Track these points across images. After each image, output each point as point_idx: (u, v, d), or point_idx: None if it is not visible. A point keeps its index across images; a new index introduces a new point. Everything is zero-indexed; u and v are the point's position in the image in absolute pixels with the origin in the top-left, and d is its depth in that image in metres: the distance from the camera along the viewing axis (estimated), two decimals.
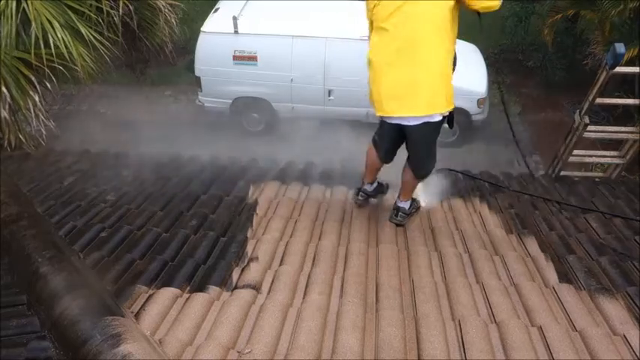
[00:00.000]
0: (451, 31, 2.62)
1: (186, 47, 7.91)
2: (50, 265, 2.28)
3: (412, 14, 2.54)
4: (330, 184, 3.75)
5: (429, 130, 2.74)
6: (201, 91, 7.68)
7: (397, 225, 3.11)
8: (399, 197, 3.14)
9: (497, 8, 2.56)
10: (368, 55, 2.76)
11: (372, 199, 3.38)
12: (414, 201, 3.21)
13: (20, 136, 3.90)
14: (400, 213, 3.10)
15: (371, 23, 2.79)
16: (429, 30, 2.55)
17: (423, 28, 2.55)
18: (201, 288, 2.37)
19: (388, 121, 2.83)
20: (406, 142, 2.95)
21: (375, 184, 3.32)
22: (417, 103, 2.63)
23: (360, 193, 3.28)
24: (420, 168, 3.02)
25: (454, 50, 2.71)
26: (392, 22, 2.59)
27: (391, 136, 2.96)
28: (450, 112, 2.75)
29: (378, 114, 2.82)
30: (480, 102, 7.42)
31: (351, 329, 2.09)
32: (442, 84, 2.65)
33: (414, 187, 3.13)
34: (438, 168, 3.97)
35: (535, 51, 9.21)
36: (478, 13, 2.64)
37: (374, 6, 2.68)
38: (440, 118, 2.70)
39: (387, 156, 3.14)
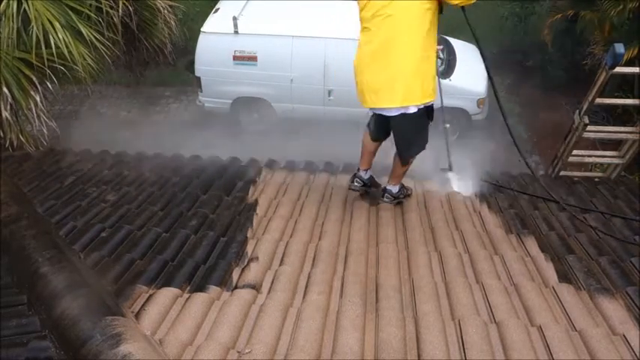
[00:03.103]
0: (429, 31, 2.78)
1: (186, 48, 7.90)
2: (50, 265, 2.29)
3: (391, 16, 2.73)
4: (330, 183, 3.75)
5: (407, 119, 2.95)
6: (202, 92, 7.66)
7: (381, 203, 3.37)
8: (388, 181, 3.39)
9: (474, 0, 2.72)
10: (355, 53, 2.99)
11: (370, 191, 3.45)
12: (403, 187, 3.43)
13: (21, 137, 3.89)
14: (386, 194, 3.39)
15: (361, 23, 2.95)
16: (404, 30, 2.75)
17: (399, 28, 2.74)
18: (201, 288, 2.37)
19: (372, 111, 3.12)
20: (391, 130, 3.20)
21: (369, 173, 3.47)
22: (392, 96, 2.87)
23: (356, 179, 3.46)
24: (402, 151, 3.23)
25: (434, 48, 2.89)
26: (373, 23, 2.80)
27: (378, 122, 3.23)
28: (429, 105, 2.96)
29: (363, 105, 3.09)
30: (479, 102, 7.41)
31: (351, 329, 2.09)
32: (416, 79, 2.84)
33: (401, 174, 3.34)
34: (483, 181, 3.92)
35: (535, 51, 9.20)
36: (462, 8, 2.83)
37: (363, 6, 2.85)
38: (415, 109, 2.91)
39: (378, 135, 3.34)
